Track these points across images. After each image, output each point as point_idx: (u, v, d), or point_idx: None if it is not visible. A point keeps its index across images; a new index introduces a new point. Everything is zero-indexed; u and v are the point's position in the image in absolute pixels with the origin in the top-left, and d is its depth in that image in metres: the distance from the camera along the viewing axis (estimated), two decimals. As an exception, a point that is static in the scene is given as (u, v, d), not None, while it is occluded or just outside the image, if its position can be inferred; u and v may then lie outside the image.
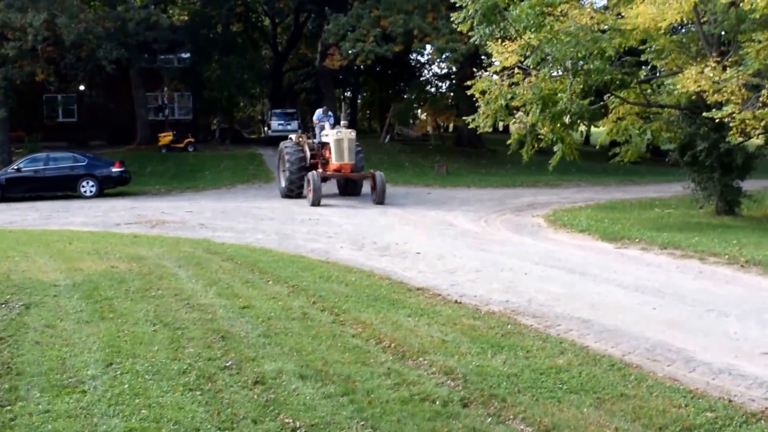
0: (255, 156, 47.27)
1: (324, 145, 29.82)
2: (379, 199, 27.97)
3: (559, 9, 20.62)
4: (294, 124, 53.08)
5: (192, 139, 49.92)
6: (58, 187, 32.49)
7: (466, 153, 49.64)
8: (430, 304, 11.45)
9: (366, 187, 30.54)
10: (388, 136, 57.19)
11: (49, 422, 6.63)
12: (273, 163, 40.43)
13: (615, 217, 22.89)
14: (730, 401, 7.43)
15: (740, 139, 18.56)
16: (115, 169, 33.29)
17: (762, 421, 6.93)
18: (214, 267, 14.31)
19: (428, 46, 47.11)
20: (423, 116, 65.64)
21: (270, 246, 17.75)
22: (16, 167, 32.54)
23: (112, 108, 51.73)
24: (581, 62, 20.57)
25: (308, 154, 30.22)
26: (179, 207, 27.95)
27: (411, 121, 68.86)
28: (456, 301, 11.82)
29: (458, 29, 22.24)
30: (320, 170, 28.94)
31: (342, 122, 29.82)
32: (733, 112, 17.88)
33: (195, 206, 28.23)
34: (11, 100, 39.54)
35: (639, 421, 6.87)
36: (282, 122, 54.85)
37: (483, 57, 31.06)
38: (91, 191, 32.48)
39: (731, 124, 18.25)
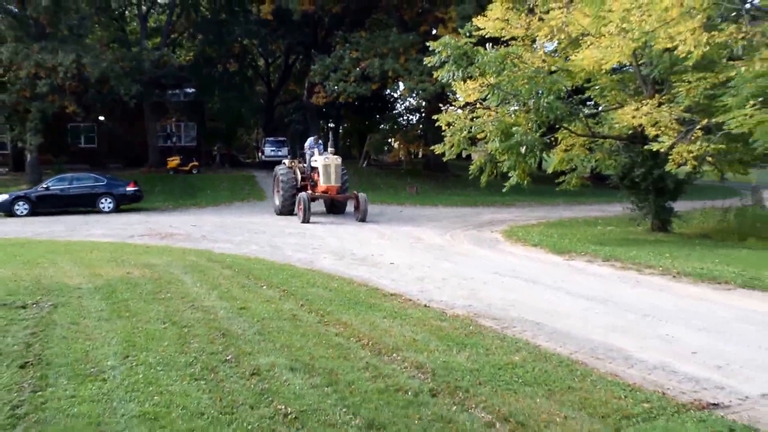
0: (250, 178, 46.34)
1: (313, 169, 29.18)
2: (362, 217, 27.22)
3: (517, 54, 20.05)
4: (284, 151, 52.63)
5: (196, 163, 49.17)
6: (81, 204, 32.11)
7: (434, 177, 48.54)
8: (402, 308, 11.06)
9: (350, 207, 30.01)
10: (365, 162, 56.15)
11: (74, 406, 6.58)
12: (266, 184, 40.16)
13: (563, 233, 22.49)
14: (663, 394, 7.36)
15: (675, 168, 18.43)
16: (130, 188, 32.93)
17: (691, 411, 6.87)
18: (215, 274, 13.90)
19: (401, 85, 46.18)
20: (396, 145, 64.13)
21: (263, 256, 17.25)
22: (45, 186, 32.10)
23: (127, 135, 51.48)
24: (537, 100, 19.69)
25: (299, 177, 29.62)
26: (185, 221, 27.31)
27: (386, 149, 67.95)
28: (425, 305, 11.42)
29: (428, 65, 21.17)
30: (310, 191, 28.37)
31: (329, 149, 29.18)
32: (673, 145, 17.71)
33: (198, 221, 27.61)
34: (42, 129, 39.29)
35: (584, 410, 6.80)
36: (274, 149, 54.16)
37: (449, 94, 30.82)
38: (109, 207, 32.10)
39: (669, 156, 18.05)
